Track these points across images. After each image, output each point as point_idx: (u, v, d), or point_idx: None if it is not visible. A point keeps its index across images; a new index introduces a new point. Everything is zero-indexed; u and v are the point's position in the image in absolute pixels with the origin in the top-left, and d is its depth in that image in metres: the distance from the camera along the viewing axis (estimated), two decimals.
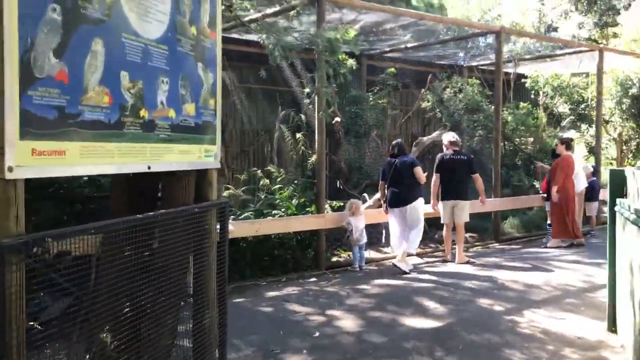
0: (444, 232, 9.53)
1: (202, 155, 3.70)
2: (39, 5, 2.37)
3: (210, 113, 3.78)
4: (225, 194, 8.34)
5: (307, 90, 9.07)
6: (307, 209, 8.91)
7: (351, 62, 7.50)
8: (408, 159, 8.81)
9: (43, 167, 2.42)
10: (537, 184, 12.81)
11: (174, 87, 3.35)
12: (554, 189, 10.26)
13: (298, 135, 9.89)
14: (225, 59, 8.72)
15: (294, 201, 8.97)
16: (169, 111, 3.29)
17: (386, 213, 8.85)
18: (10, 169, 2.25)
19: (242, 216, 8.16)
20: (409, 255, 8.74)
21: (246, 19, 7.93)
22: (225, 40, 10.05)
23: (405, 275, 8.22)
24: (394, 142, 9.01)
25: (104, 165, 2.79)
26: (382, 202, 9.06)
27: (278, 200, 8.86)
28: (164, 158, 3.25)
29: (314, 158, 9.09)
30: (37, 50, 2.36)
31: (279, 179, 9.37)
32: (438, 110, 12.64)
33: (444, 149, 9.47)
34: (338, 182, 11.00)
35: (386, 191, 8.81)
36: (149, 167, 3.12)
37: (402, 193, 8.57)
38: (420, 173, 8.62)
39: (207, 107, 3.73)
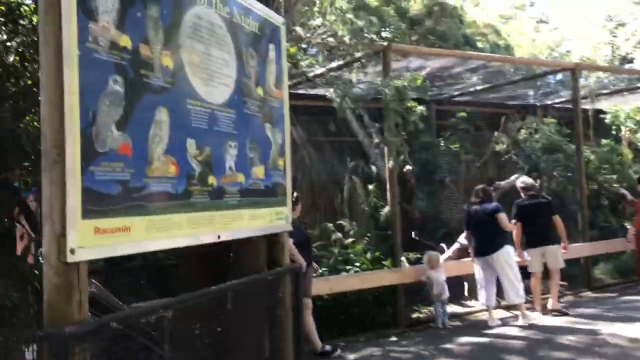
0: (532, 282, 8.88)
1: (273, 219, 3.51)
2: (100, 77, 2.29)
3: (279, 174, 3.62)
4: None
5: (376, 140, 8.88)
6: (383, 262, 8.55)
7: (420, 108, 7.27)
8: (492, 206, 8.33)
9: (107, 246, 2.28)
10: (628, 225, 11.91)
11: (242, 150, 3.20)
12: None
13: (370, 186, 9.65)
14: (292, 114, 8.72)
15: (368, 255, 8.64)
16: (237, 176, 3.14)
17: (473, 262, 8.35)
18: (73, 251, 2.11)
19: (316, 274, 7.91)
20: (496, 308, 8.17)
21: (312, 74, 7.89)
22: (292, 96, 10.08)
23: (492, 331, 7.65)
24: (477, 188, 8.55)
25: (172, 239, 2.64)
26: (469, 250, 8.59)
27: (351, 255, 8.55)
28: (233, 225, 3.08)
29: (386, 209, 8.80)
30: (99, 124, 2.26)
31: (351, 232, 9.10)
32: (513, 152, 12.10)
33: (521, 194, 8.95)
34: (413, 233, 10.58)
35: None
36: (218, 237, 2.95)
37: (487, 241, 8.07)
38: (504, 220, 8.12)
39: (276, 168, 3.57)
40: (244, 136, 3.23)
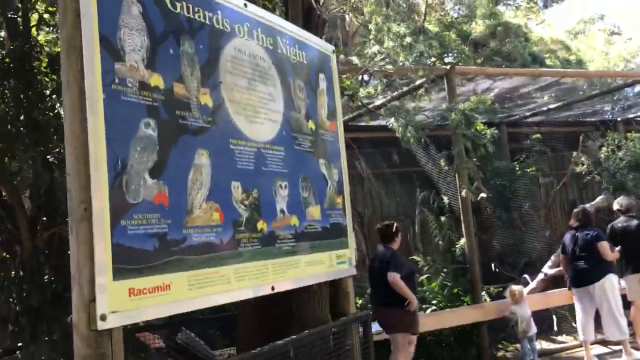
0: (632, 312, 8.05)
1: (334, 263, 3.20)
2: (129, 122, 2.08)
3: (338, 213, 3.31)
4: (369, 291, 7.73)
5: (445, 168, 8.44)
6: (462, 298, 8.01)
7: (490, 131, 6.80)
8: (592, 232, 7.58)
9: (143, 309, 2.03)
10: None
11: (295, 190, 2.93)
12: None
13: (442, 218, 9.16)
14: (356, 147, 8.45)
15: (446, 292, 8.12)
16: (290, 219, 2.86)
17: (569, 291, 7.65)
18: (104, 317, 1.88)
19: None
20: (593, 343, 7.42)
21: (372, 105, 7.61)
22: (353, 128, 9.84)
23: None
24: (577, 210, 7.84)
25: (219, 295, 2.37)
26: (565, 279, 7.88)
27: (428, 293, 8.06)
28: (289, 274, 2.79)
29: (462, 241, 8.28)
30: (130, 172, 2.04)
31: (425, 269, 8.61)
32: (596, 172, 11.28)
33: (615, 216, 8.18)
34: (492, 265, 9.94)
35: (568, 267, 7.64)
36: (272, 288, 2.66)
37: (586, 270, 7.35)
38: (606, 249, 7.35)
39: (334, 207, 3.27)
40: (295, 175, 2.96)
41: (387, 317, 5.43)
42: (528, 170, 10.98)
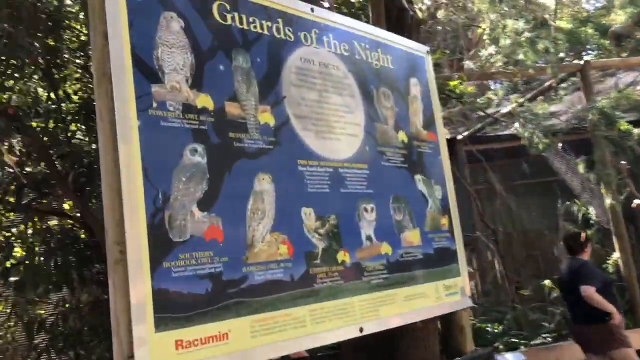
0: None
1: (442, 295, 2.74)
2: (171, 149, 1.85)
3: (444, 236, 2.86)
4: (508, 316, 6.98)
5: (585, 176, 7.48)
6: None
7: (638, 131, 5.86)
8: None
9: None
10: None
11: (384, 213, 2.55)
12: None
13: (588, 231, 8.14)
14: (484, 159, 7.78)
15: None
16: (380, 247, 2.48)
17: None
18: None
19: (534, 342, 6.67)
20: None
21: (497, 113, 6.97)
22: (482, 139, 9.13)
23: None
24: None
25: (291, 341, 2.04)
26: None
27: None
28: (382, 312, 2.39)
29: (615, 256, 7.25)
30: (173, 206, 1.80)
31: None
32: None
33: None
34: None
35: None
36: (360, 330, 2.28)
37: None
38: None
39: (438, 230, 2.83)
40: (384, 195, 2.57)
41: (589, 336, 4.62)
42: None
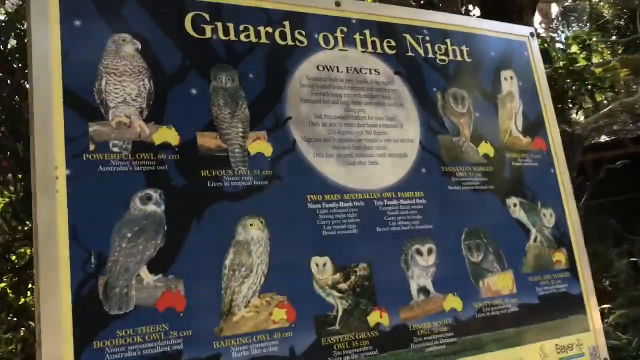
0: None
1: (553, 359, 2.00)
2: (113, 199, 1.52)
3: (559, 278, 2.11)
4: None
5: None
6: None
7: None
8: None
9: None
10: None
11: (451, 255, 1.92)
12: None
13: None
14: None
15: None
16: (443, 301, 1.86)
17: None
18: None
19: None
20: None
21: None
22: None
23: None
24: None
25: None
26: None
27: None
28: None
29: None
30: (111, 271, 1.47)
31: None
32: None
33: None
34: None
35: None
36: None
37: None
38: None
39: (547, 270, 2.09)
40: (452, 230, 1.95)
41: None
42: None
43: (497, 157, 2.13)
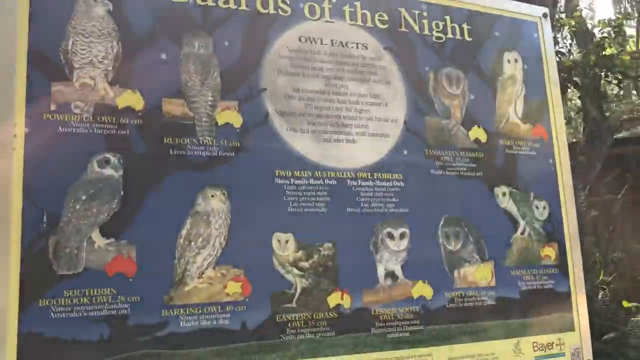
0: None
1: (531, 358, 1.92)
2: (70, 160, 1.51)
3: (545, 274, 2.02)
4: None
5: None
6: None
7: None
8: None
9: None
10: None
11: (426, 241, 1.85)
12: None
13: None
14: None
15: None
16: (411, 287, 1.80)
17: None
18: None
19: None
20: None
21: None
22: None
23: None
24: None
25: None
26: None
27: None
28: None
29: None
30: (63, 231, 1.47)
31: None
32: None
33: None
34: None
35: None
36: None
37: None
38: None
39: (532, 265, 2.00)
40: (430, 215, 1.88)
41: None
42: None
43: (490, 142, 2.03)
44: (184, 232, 1.58)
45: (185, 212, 1.59)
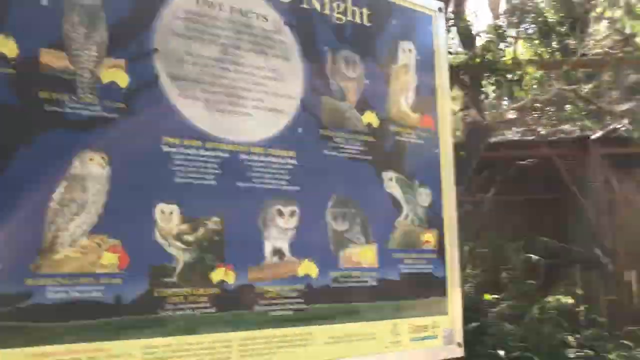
0: None
1: (405, 339, 1.98)
2: None
3: (424, 257, 2.08)
4: (613, 355, 5.65)
5: None
6: None
7: None
8: None
9: None
10: None
11: (315, 220, 1.85)
12: None
13: None
14: None
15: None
16: (297, 265, 1.79)
17: None
18: None
19: None
20: None
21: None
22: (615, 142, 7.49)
23: None
24: None
25: None
26: None
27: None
28: (282, 358, 1.71)
29: None
30: None
31: None
32: None
33: None
34: None
35: None
36: None
37: None
38: None
39: (413, 248, 2.06)
40: (320, 195, 1.87)
41: None
42: None
43: (381, 128, 2.06)
44: (56, 196, 1.45)
45: (59, 175, 1.46)
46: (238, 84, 1.77)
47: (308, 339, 1.76)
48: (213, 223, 1.65)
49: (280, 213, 1.77)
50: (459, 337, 2.13)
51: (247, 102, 1.78)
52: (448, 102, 2.28)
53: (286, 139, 1.83)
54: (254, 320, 1.68)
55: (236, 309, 1.66)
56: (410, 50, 2.20)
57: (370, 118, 2.04)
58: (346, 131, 1.97)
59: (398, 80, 2.14)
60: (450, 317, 2.11)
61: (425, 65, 2.24)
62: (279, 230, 1.77)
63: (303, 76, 1.91)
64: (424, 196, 2.13)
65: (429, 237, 2.11)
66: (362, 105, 2.03)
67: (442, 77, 2.28)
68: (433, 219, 2.14)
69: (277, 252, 1.75)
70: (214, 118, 1.71)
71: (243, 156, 1.74)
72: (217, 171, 1.68)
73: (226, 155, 1.71)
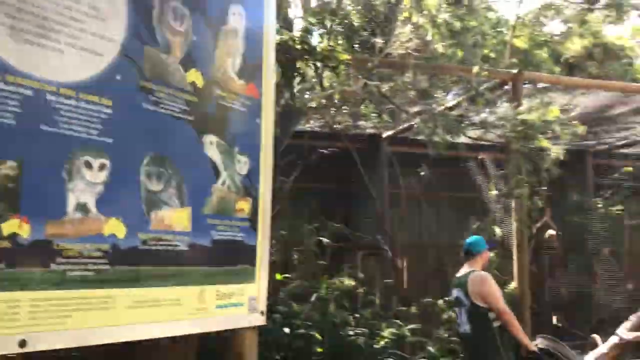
0: None
1: (211, 306, 1.94)
2: None
3: (237, 225, 2.06)
4: (386, 332, 6.28)
5: (497, 193, 6.83)
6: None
7: (557, 150, 5.21)
8: None
9: None
10: None
11: (127, 177, 1.72)
12: None
13: (490, 253, 7.55)
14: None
15: None
16: (103, 223, 1.65)
17: None
18: None
19: None
20: None
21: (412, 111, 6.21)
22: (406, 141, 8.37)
23: None
24: None
25: None
26: None
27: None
28: (77, 320, 1.56)
29: (512, 285, 6.70)
30: None
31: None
32: None
33: None
34: (555, 317, 8.22)
35: None
36: (22, 344, 1.44)
37: None
38: None
39: (228, 215, 2.02)
40: (134, 150, 1.75)
41: None
42: (613, 209, 9.19)
43: (205, 89, 1.99)
44: None
45: None
46: (51, 16, 1.57)
47: (108, 302, 1.64)
48: (8, 168, 1.45)
49: (89, 165, 1.62)
50: (262, 306, 2.16)
51: (61, 37, 1.59)
52: (273, 74, 2.28)
53: (102, 85, 1.67)
54: (48, 279, 1.51)
55: (30, 266, 1.47)
56: (239, 14, 2.16)
57: (195, 77, 1.96)
58: (169, 87, 1.86)
59: (226, 44, 2.09)
60: (257, 286, 2.13)
61: (254, 33, 2.22)
62: (86, 183, 1.61)
63: (127, 20, 1.76)
64: (243, 164, 2.11)
65: (243, 205, 2.10)
66: (188, 62, 1.94)
67: (269, 48, 2.27)
68: (249, 187, 2.13)
69: (82, 207, 1.60)
70: (20, 49, 1.49)
71: (50, 97, 1.55)
72: (17, 110, 1.48)
73: (30, 93, 1.51)
